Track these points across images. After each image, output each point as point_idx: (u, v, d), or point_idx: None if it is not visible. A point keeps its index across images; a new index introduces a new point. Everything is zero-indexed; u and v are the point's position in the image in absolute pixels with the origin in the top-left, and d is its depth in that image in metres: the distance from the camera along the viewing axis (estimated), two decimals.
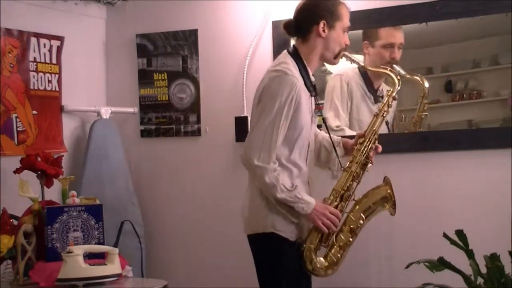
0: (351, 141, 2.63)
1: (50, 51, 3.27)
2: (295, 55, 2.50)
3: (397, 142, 3.02)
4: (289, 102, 2.35)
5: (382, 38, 3.03)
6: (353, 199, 2.53)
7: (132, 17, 3.63)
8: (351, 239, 2.49)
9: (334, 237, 2.48)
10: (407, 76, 2.92)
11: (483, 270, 2.14)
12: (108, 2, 3.58)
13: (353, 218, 2.49)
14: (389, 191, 2.55)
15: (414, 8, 2.99)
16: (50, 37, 3.27)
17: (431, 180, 3.00)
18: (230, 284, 3.35)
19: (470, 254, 2.16)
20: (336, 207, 2.48)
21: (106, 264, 2.52)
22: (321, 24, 2.45)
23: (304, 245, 2.46)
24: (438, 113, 3.10)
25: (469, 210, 2.90)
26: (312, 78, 2.53)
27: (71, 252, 2.42)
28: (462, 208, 2.91)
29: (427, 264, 2.22)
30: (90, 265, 2.48)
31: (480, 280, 2.14)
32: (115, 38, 3.68)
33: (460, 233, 2.19)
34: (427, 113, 2.98)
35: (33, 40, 3.18)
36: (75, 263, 2.42)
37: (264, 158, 2.35)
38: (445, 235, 2.23)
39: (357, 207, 2.52)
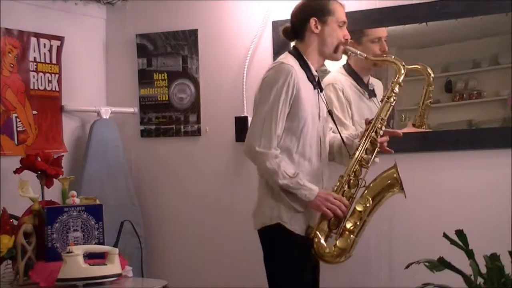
0: None
1: (50, 51, 3.27)
2: (295, 52, 2.58)
3: (397, 142, 3.02)
4: (286, 88, 2.41)
5: (369, 34, 3.03)
6: (364, 186, 2.55)
7: (132, 17, 3.63)
8: (358, 223, 2.50)
9: (344, 223, 2.50)
10: (407, 66, 2.91)
11: (483, 270, 2.14)
12: (108, 2, 3.58)
13: (360, 202, 2.52)
14: (395, 175, 2.56)
15: (414, 8, 2.99)
16: (50, 37, 3.27)
17: (431, 180, 3.00)
18: (230, 284, 3.35)
19: (470, 254, 2.16)
20: (342, 193, 2.51)
21: (106, 264, 2.52)
22: (312, 21, 2.53)
23: (314, 232, 2.48)
24: (438, 113, 3.10)
25: (469, 210, 2.90)
26: (315, 73, 2.58)
27: (71, 252, 2.42)
28: (462, 208, 2.91)
29: (427, 264, 2.21)
30: (90, 265, 2.48)
31: (480, 280, 2.14)
32: (115, 38, 3.68)
33: (460, 233, 2.18)
34: (431, 100, 2.96)
35: (33, 40, 3.18)
36: (75, 263, 2.42)
37: (265, 144, 2.40)
38: (445, 235, 2.22)
39: (365, 192, 2.54)
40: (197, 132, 3.51)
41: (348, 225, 2.50)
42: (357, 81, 3.05)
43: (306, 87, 2.50)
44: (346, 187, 2.52)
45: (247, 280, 3.25)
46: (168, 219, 3.58)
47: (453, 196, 2.95)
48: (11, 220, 2.63)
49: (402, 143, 3.03)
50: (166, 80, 3.57)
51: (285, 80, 2.42)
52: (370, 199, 2.53)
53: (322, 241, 2.48)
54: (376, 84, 3.12)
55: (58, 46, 3.31)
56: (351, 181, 2.53)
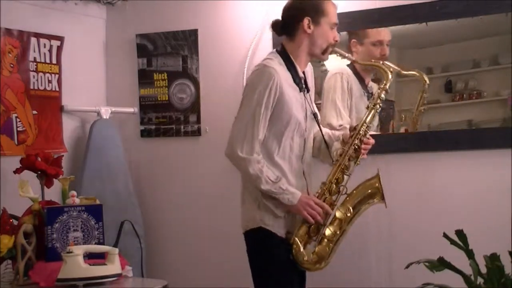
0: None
1: (50, 51, 3.27)
2: (282, 52, 2.55)
3: (397, 142, 3.02)
4: (268, 92, 2.41)
5: (371, 36, 3.05)
6: (346, 193, 2.55)
7: (132, 17, 3.63)
8: (338, 232, 2.51)
9: (323, 230, 2.50)
10: (403, 72, 2.90)
11: (483, 270, 2.14)
12: (108, 2, 3.58)
13: (341, 211, 2.52)
14: (377, 184, 2.56)
15: (414, 8, 2.99)
16: (50, 37, 3.27)
17: (431, 180, 3.00)
18: (230, 284, 3.35)
19: (470, 254, 2.16)
20: (324, 200, 2.51)
21: (106, 264, 2.52)
22: (306, 21, 2.50)
23: (293, 238, 2.48)
24: (438, 113, 3.10)
25: (469, 210, 2.90)
26: (301, 74, 2.57)
27: (71, 252, 2.42)
28: (462, 208, 2.91)
29: (427, 264, 2.22)
30: (90, 265, 2.48)
31: (480, 280, 2.14)
32: (115, 38, 3.68)
33: (460, 233, 2.19)
34: (425, 107, 2.97)
35: (33, 40, 3.18)
36: (75, 263, 2.42)
37: (247, 149, 2.41)
38: (445, 235, 2.23)
39: (347, 200, 2.55)
40: (197, 132, 3.51)
41: (328, 232, 2.50)
42: (359, 80, 3.07)
43: (290, 89, 2.49)
44: (327, 194, 2.53)
45: (247, 280, 3.24)
46: (168, 219, 3.58)
47: (453, 196, 2.95)
48: (11, 220, 2.63)
49: (402, 143, 3.04)
50: (166, 80, 3.57)
51: (267, 84, 2.41)
52: (351, 208, 2.53)
53: (301, 248, 2.48)
54: (375, 89, 3.12)
55: (58, 46, 3.31)
56: (333, 188, 2.53)
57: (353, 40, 3.06)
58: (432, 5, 2.96)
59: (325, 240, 2.50)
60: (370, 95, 3.07)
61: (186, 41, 3.51)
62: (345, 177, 2.55)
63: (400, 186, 2.88)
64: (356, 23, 3.07)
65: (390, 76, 2.60)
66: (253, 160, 2.41)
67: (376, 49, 3.02)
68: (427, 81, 2.93)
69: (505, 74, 2.92)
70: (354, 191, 2.56)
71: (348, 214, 2.52)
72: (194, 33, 3.50)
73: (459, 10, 2.91)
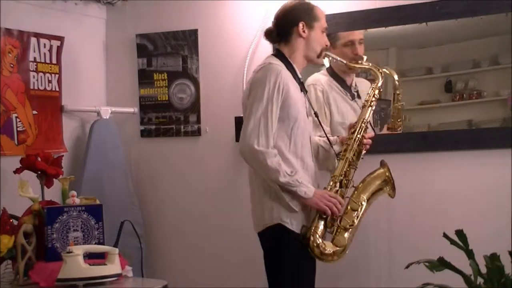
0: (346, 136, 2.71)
1: (50, 51, 3.27)
2: (280, 55, 2.60)
3: (397, 142, 3.02)
4: (277, 88, 2.45)
5: (341, 38, 3.06)
6: (353, 186, 2.59)
7: (132, 17, 3.63)
8: (355, 221, 2.54)
9: (338, 221, 2.52)
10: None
11: (483, 270, 2.14)
12: (108, 2, 3.58)
13: (354, 201, 2.56)
14: (387, 174, 2.62)
15: (414, 8, 3.00)
16: (50, 37, 3.27)
17: (431, 180, 3.00)
18: (230, 284, 3.35)
19: (470, 254, 2.17)
20: (336, 193, 2.54)
21: (106, 264, 2.52)
22: (300, 25, 2.57)
23: (310, 231, 2.49)
24: (438, 113, 3.10)
25: (469, 210, 2.90)
26: (299, 75, 2.62)
27: (71, 252, 2.42)
28: (462, 208, 2.91)
29: (427, 264, 2.22)
30: (90, 265, 2.48)
31: (480, 280, 2.14)
32: (115, 38, 3.68)
33: (460, 233, 2.19)
34: (403, 103, 2.96)
35: (33, 40, 3.18)
36: (75, 263, 2.42)
37: (263, 143, 2.42)
38: (445, 235, 2.23)
39: (357, 191, 2.59)
40: (197, 132, 3.51)
41: (344, 223, 2.52)
42: (339, 82, 3.08)
43: (294, 87, 2.54)
44: (338, 187, 2.56)
45: (247, 280, 3.25)
46: (168, 219, 3.58)
47: (453, 196, 2.95)
48: (11, 220, 2.63)
49: (402, 143, 3.04)
50: (166, 80, 3.57)
51: (275, 80, 2.45)
52: (365, 197, 2.57)
53: (319, 241, 2.49)
54: (362, 83, 3.12)
55: (58, 46, 3.31)
56: (343, 181, 2.57)
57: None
58: (432, 5, 2.96)
59: (342, 231, 2.52)
60: (355, 94, 3.09)
61: (186, 41, 3.51)
62: (352, 170, 2.60)
63: (400, 186, 2.87)
64: (356, 23, 3.07)
65: (380, 76, 2.69)
66: (271, 153, 2.42)
67: (348, 50, 3.01)
68: (396, 77, 2.87)
69: (505, 74, 2.92)
70: (362, 183, 2.61)
71: (363, 203, 2.56)
72: (194, 33, 3.50)
73: (459, 10, 2.91)
